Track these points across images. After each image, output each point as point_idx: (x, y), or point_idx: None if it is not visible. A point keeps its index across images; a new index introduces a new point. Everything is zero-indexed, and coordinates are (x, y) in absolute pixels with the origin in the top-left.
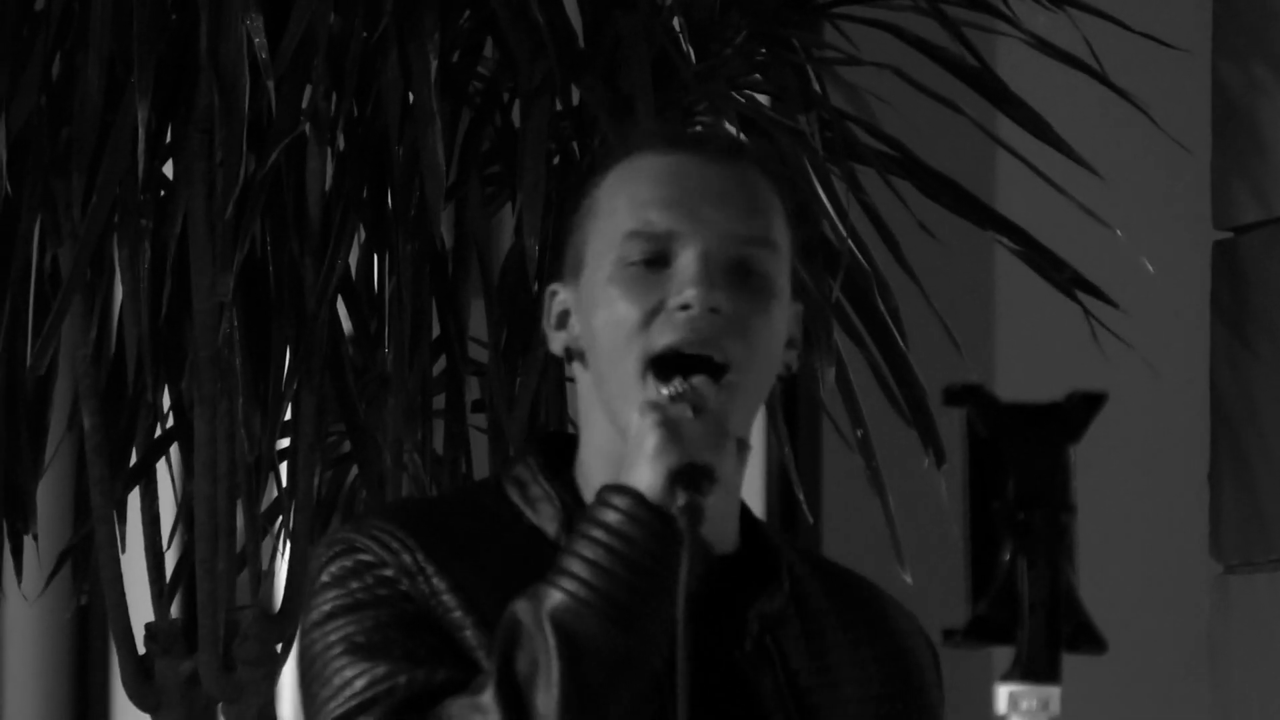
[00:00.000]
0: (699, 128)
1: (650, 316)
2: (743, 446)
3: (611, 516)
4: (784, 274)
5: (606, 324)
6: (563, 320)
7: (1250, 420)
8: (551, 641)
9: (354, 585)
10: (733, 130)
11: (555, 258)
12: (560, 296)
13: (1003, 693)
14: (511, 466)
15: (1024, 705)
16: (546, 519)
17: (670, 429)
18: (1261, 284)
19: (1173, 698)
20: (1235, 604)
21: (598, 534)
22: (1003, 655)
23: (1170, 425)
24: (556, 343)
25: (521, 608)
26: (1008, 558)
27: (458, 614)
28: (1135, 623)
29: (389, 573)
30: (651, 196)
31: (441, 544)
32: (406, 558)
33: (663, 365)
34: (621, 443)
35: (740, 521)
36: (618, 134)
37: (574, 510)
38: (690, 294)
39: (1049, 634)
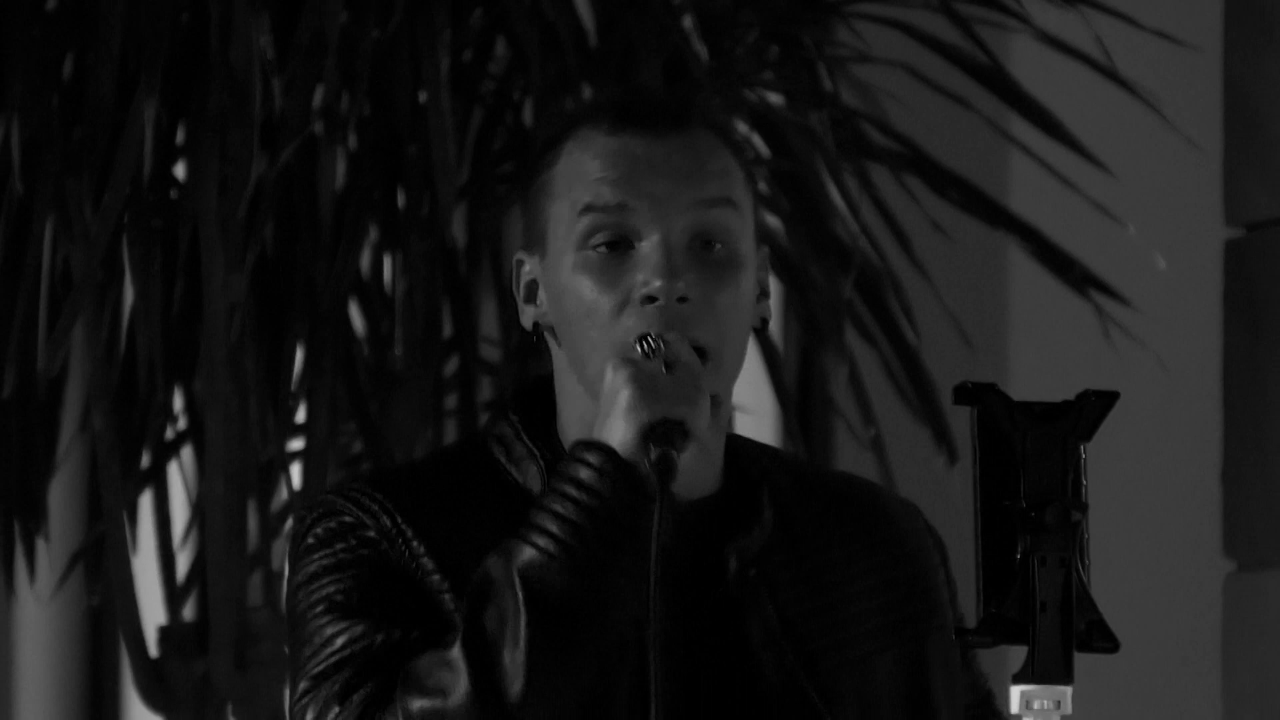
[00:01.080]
0: (647, 94)
1: (620, 307)
2: (717, 401)
3: (583, 473)
4: (748, 233)
5: (578, 313)
6: (531, 293)
7: (1263, 418)
8: (520, 596)
9: (339, 546)
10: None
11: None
12: (527, 267)
13: (1015, 692)
14: (494, 424)
15: (1036, 705)
16: (531, 477)
17: (643, 384)
18: (1274, 281)
19: (1185, 695)
20: (1248, 602)
21: (569, 490)
22: (1016, 654)
23: (1182, 423)
24: (526, 316)
25: (493, 563)
26: (1020, 556)
27: (436, 576)
28: (1148, 621)
29: (370, 534)
30: (603, 174)
31: (421, 507)
32: (386, 520)
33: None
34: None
35: (727, 461)
36: (575, 105)
37: (555, 467)
38: (656, 285)
39: (1062, 633)
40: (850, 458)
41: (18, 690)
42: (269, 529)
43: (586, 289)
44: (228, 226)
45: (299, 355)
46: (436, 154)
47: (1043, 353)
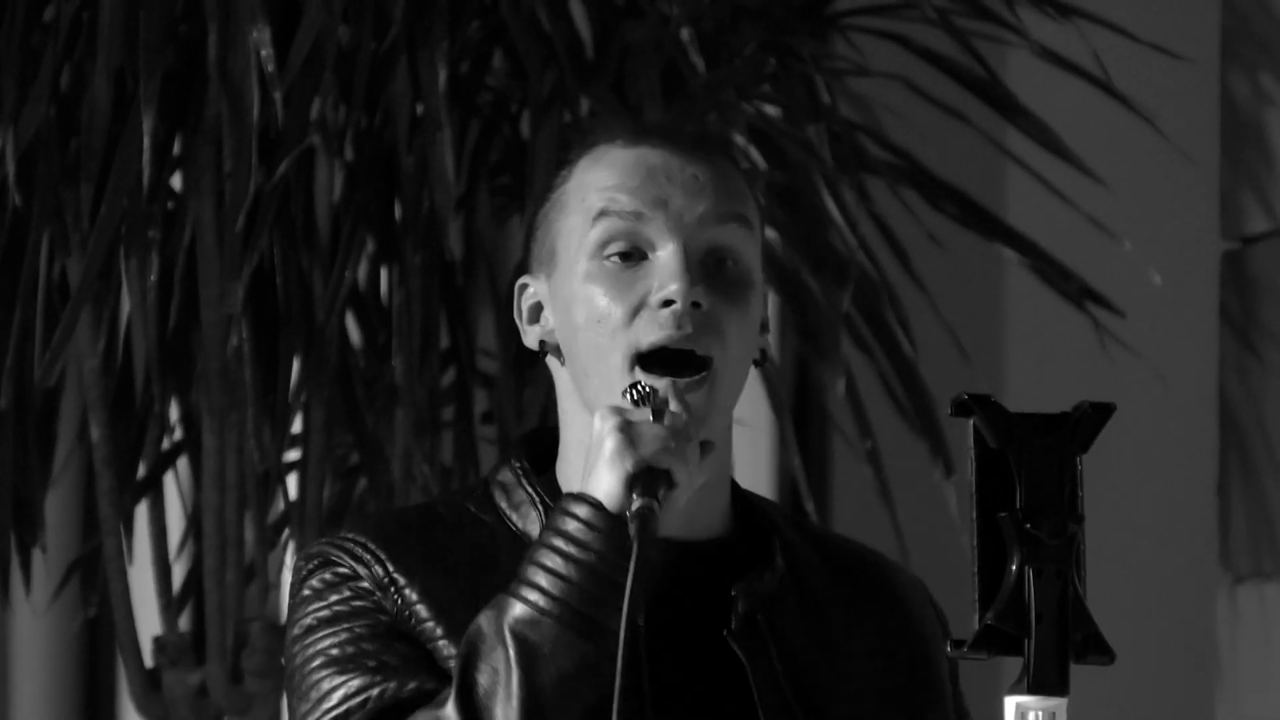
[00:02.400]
0: (663, 115)
1: (634, 312)
2: (708, 447)
3: (570, 525)
4: (757, 258)
5: (589, 321)
6: (535, 314)
7: (1259, 430)
8: (512, 652)
9: (333, 598)
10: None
11: (525, 251)
12: (531, 290)
13: (1010, 704)
14: (497, 470)
15: (1032, 716)
16: (530, 522)
17: (627, 433)
18: (1270, 294)
19: (1181, 707)
20: (1244, 613)
21: (557, 542)
22: (1011, 666)
23: (1179, 435)
24: (530, 336)
25: (485, 618)
26: (1016, 568)
27: (429, 624)
28: (1144, 633)
29: (364, 584)
30: (619, 182)
31: (413, 555)
32: (378, 569)
33: (649, 362)
34: None
35: (737, 506)
36: (579, 127)
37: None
38: (673, 289)
39: (1057, 644)
40: (847, 470)
41: (14, 701)
42: (265, 540)
43: (598, 296)
44: (225, 238)
45: (295, 367)
46: (434, 166)
47: (1039, 365)
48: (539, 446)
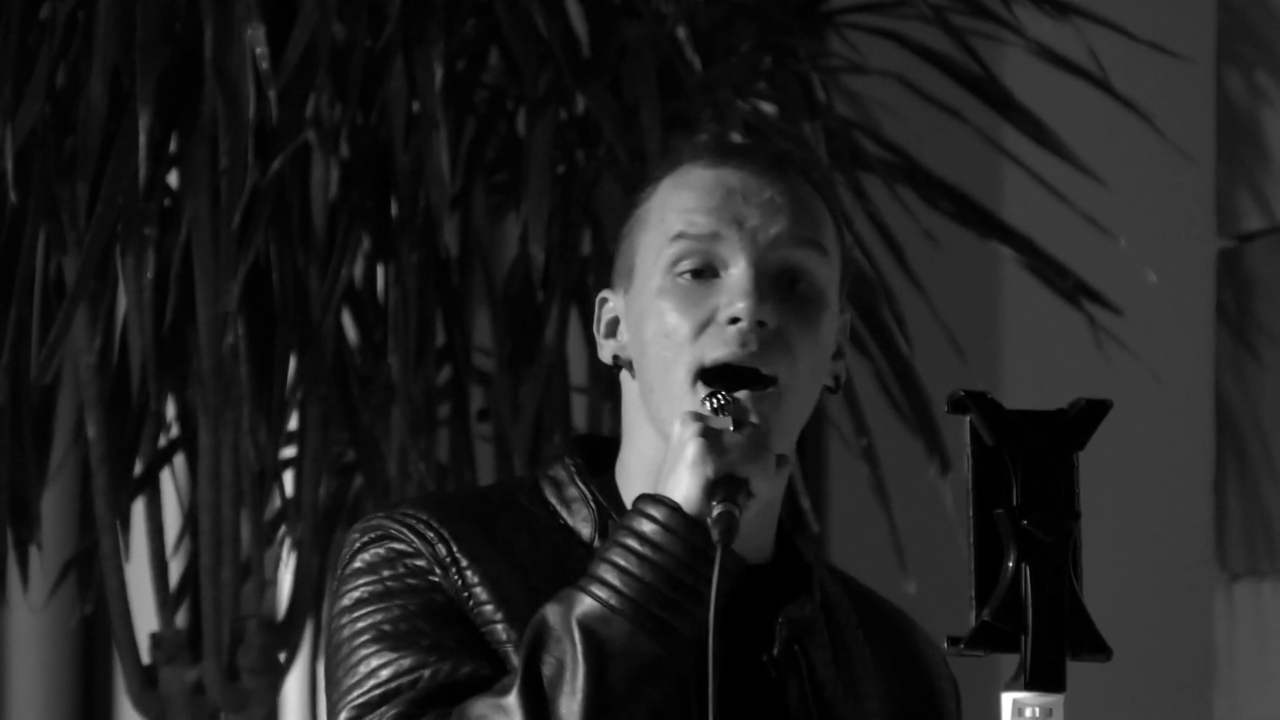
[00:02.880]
0: (745, 142)
1: (701, 328)
2: (783, 461)
3: (646, 526)
4: (833, 283)
5: (657, 335)
6: (612, 328)
7: (1255, 428)
8: (579, 646)
9: (385, 573)
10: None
11: (607, 266)
12: (610, 304)
13: (1007, 700)
14: (549, 466)
15: (1028, 713)
16: (581, 520)
17: (711, 440)
18: (1266, 292)
19: (1177, 705)
20: (1240, 612)
21: (631, 542)
22: (1007, 662)
23: (1175, 433)
24: (605, 351)
25: (551, 611)
26: (1012, 565)
27: (489, 607)
28: (1140, 631)
29: (421, 562)
30: (698, 204)
31: (476, 537)
32: (441, 548)
33: (711, 377)
34: (665, 450)
35: (780, 533)
36: (666, 148)
37: (609, 513)
38: (740, 306)
39: (1053, 641)
40: (843, 468)
41: (11, 698)
42: (261, 537)
43: (668, 311)
44: (220, 235)
45: (291, 364)
46: (429, 164)
47: (1035, 362)
48: (591, 451)
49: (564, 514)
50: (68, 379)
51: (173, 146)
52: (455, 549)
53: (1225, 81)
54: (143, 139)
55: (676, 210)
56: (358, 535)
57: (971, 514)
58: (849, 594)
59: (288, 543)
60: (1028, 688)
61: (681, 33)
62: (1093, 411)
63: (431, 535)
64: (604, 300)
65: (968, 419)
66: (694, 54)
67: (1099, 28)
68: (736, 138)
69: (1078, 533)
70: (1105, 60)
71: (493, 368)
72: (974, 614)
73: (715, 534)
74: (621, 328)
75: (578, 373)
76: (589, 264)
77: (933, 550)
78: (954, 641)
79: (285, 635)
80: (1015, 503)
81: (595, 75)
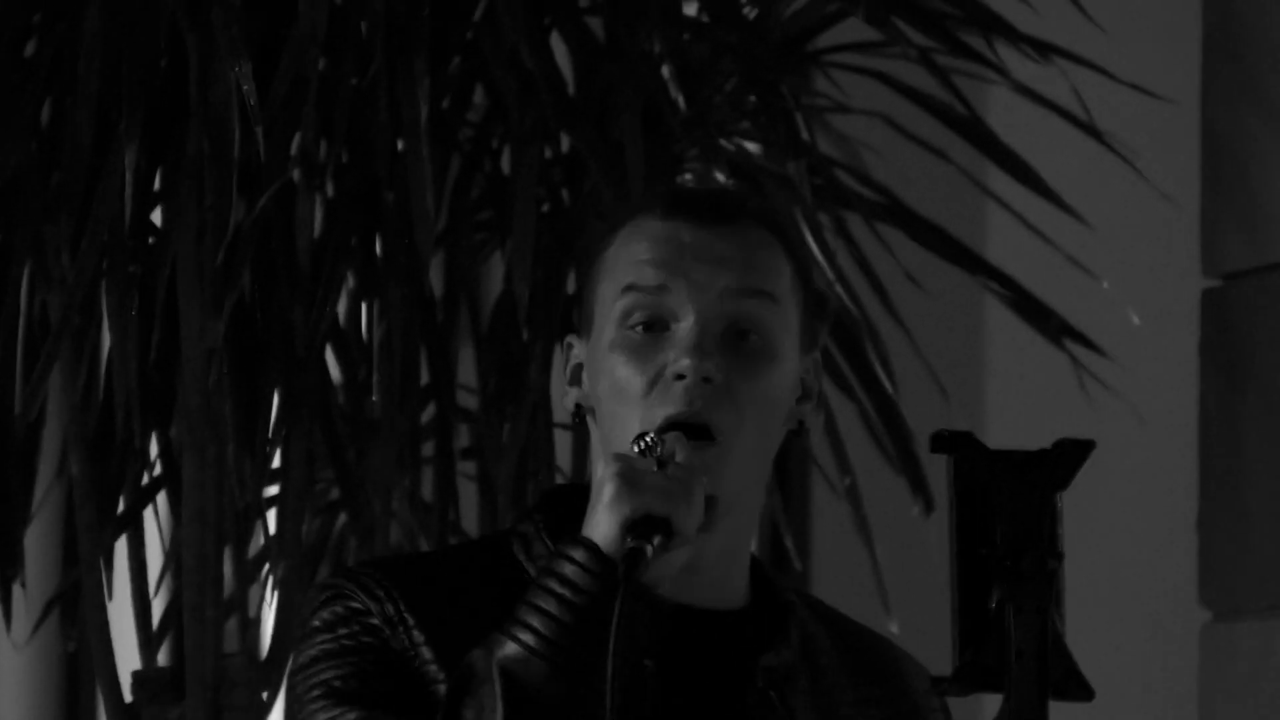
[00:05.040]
0: (702, 188)
1: (651, 385)
2: (713, 504)
3: (567, 568)
4: (788, 330)
5: (611, 390)
6: (576, 375)
7: (1239, 467)
8: (499, 689)
9: (341, 631)
10: (730, 184)
11: (575, 312)
12: (575, 350)
13: None
14: (520, 522)
15: None
16: None
17: (627, 479)
18: (1250, 332)
19: None
20: (1224, 651)
21: (552, 584)
22: (991, 703)
23: (1159, 473)
24: (569, 399)
25: (477, 655)
26: (996, 605)
27: (433, 667)
28: (1124, 670)
29: (374, 620)
30: (648, 256)
31: (426, 597)
32: (389, 607)
33: (663, 432)
34: None
35: (753, 577)
36: (627, 196)
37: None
38: (684, 364)
39: (1037, 681)
40: (826, 507)
41: None
42: (245, 575)
43: (620, 366)
44: (205, 272)
45: (275, 402)
46: (414, 201)
47: (1019, 402)
48: (563, 502)
49: (531, 570)
50: (51, 415)
51: (158, 183)
52: (402, 608)
53: (1210, 121)
54: (128, 176)
55: (628, 262)
56: (316, 595)
57: (955, 553)
58: (834, 632)
59: (271, 581)
60: None
61: (666, 71)
62: (1076, 451)
63: (381, 594)
64: (569, 345)
65: (951, 458)
66: (679, 92)
67: (1083, 69)
68: (720, 176)
69: (1061, 573)
70: (1089, 101)
71: (477, 406)
72: (957, 654)
73: (621, 569)
74: (584, 375)
75: (562, 411)
76: (574, 302)
77: (916, 590)
78: (937, 681)
79: (268, 674)
80: (998, 542)
81: (580, 113)
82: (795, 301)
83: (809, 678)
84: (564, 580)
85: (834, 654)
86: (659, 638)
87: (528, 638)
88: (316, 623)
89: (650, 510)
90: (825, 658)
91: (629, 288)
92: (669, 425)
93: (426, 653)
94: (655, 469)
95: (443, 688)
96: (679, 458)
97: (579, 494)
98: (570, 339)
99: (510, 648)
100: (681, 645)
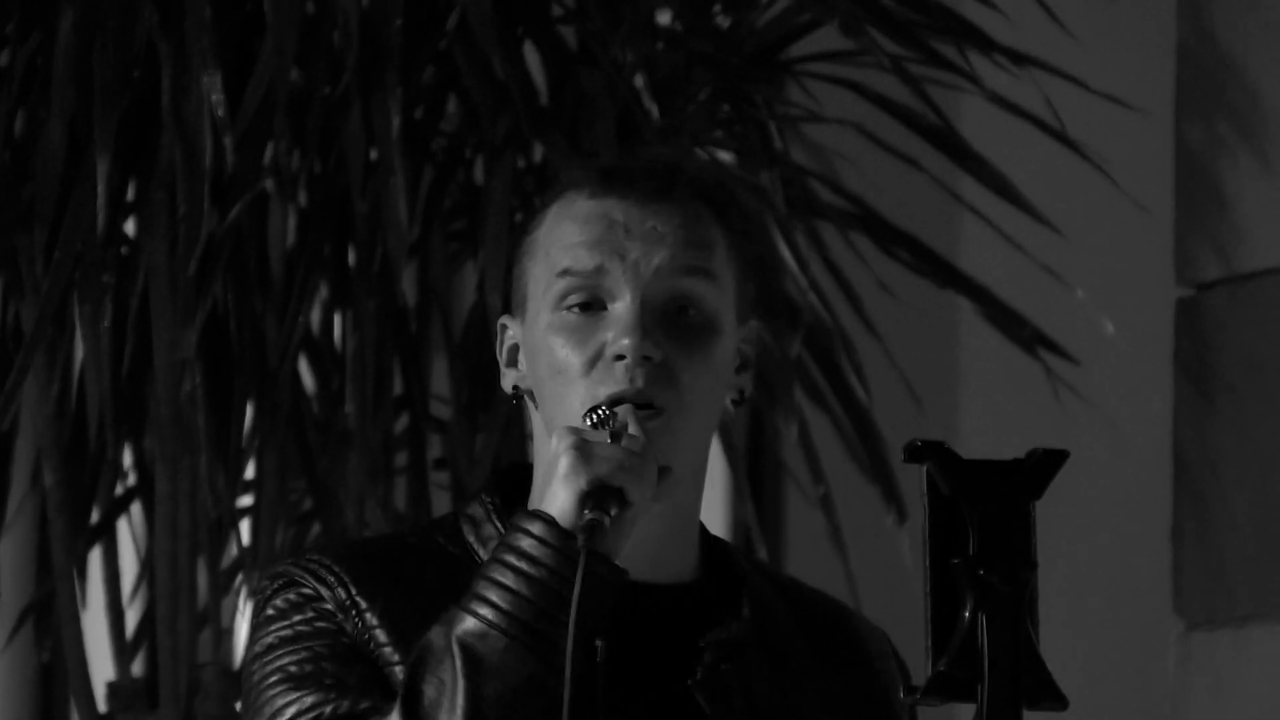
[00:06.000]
0: (635, 161)
1: (590, 364)
2: (664, 473)
3: (524, 541)
4: (726, 304)
5: (551, 371)
6: (513, 357)
7: (1213, 477)
8: (459, 664)
9: (296, 618)
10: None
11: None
12: (510, 331)
13: None
14: (468, 504)
15: None
16: None
17: (582, 451)
18: (1224, 341)
19: None
20: (1198, 661)
21: (509, 558)
22: (964, 712)
23: (1132, 482)
24: (507, 380)
25: (435, 631)
26: (969, 615)
27: (388, 649)
28: (1098, 680)
29: (327, 605)
30: (581, 237)
31: (376, 580)
32: (341, 592)
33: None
34: None
35: (705, 550)
36: (557, 172)
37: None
38: (624, 344)
39: (1010, 691)
40: (800, 516)
41: None
42: (218, 585)
43: (559, 347)
44: (178, 283)
45: (249, 412)
46: (387, 211)
47: (993, 411)
48: (511, 483)
49: (480, 552)
50: (25, 426)
51: (130, 194)
52: (354, 592)
53: (1183, 131)
54: (101, 186)
55: (561, 244)
56: (267, 583)
57: (928, 563)
58: (788, 599)
59: (244, 591)
60: None
61: (639, 81)
62: (1050, 461)
63: (332, 579)
64: (504, 326)
65: (925, 468)
66: (652, 102)
67: (1057, 78)
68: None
69: (1034, 582)
70: (1063, 110)
71: (450, 416)
72: (930, 663)
73: (580, 540)
74: (520, 357)
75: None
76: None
77: (889, 599)
78: (910, 691)
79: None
80: (972, 552)
81: (553, 123)
82: (731, 273)
83: (761, 648)
84: (521, 554)
85: (788, 623)
86: (605, 612)
87: (486, 612)
88: (270, 611)
89: (606, 480)
90: (779, 627)
91: (565, 271)
92: (614, 403)
93: (381, 636)
94: (608, 441)
95: (399, 670)
96: (631, 429)
97: (526, 474)
98: (505, 320)
99: (469, 622)
100: (628, 621)
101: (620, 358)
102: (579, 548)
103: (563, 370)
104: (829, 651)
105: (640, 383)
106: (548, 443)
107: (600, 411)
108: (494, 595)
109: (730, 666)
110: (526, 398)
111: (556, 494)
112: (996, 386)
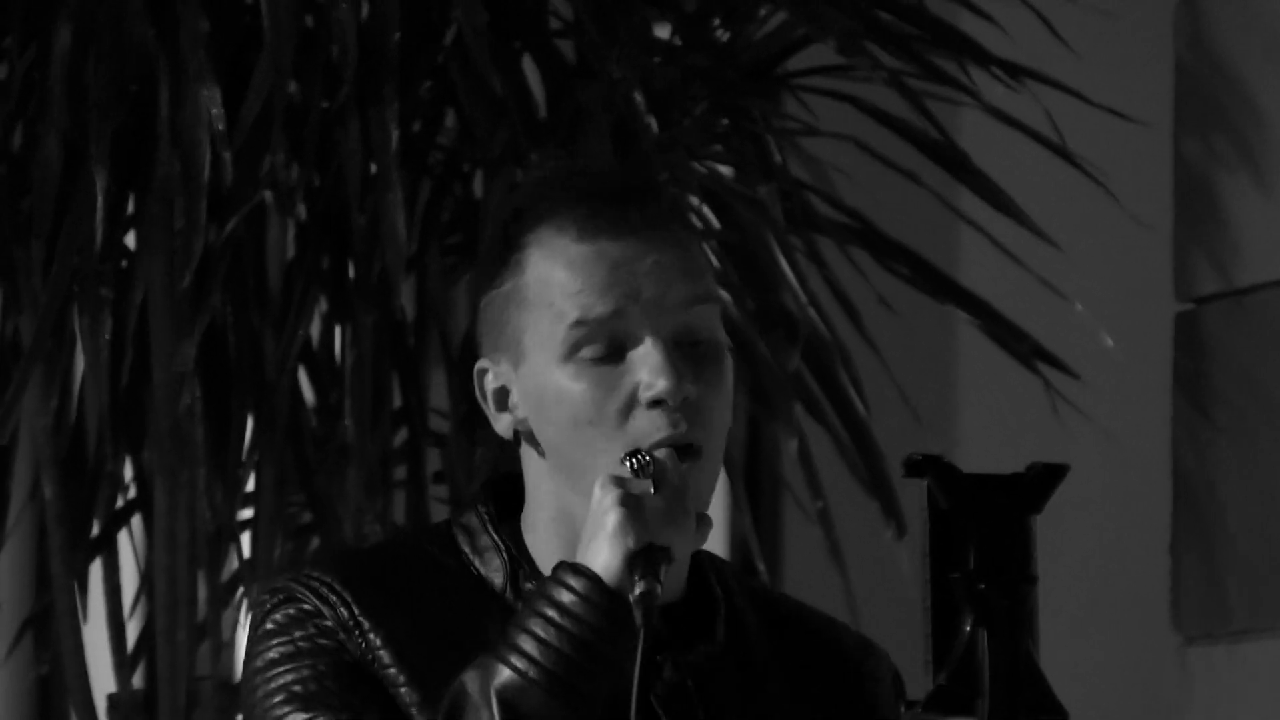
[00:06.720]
0: (601, 183)
1: (625, 413)
2: (703, 521)
3: (565, 596)
4: (721, 319)
5: (577, 421)
6: (502, 400)
7: (1211, 492)
8: (497, 716)
9: (297, 634)
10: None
11: (473, 328)
12: (492, 375)
13: None
14: (462, 513)
15: None
16: (493, 570)
17: (631, 508)
18: (1223, 356)
19: None
20: (1196, 675)
21: (550, 612)
22: None
23: (1131, 497)
24: (501, 424)
25: (470, 679)
26: (968, 629)
27: (391, 670)
28: (1096, 694)
29: (328, 623)
30: (585, 284)
31: (378, 598)
32: (343, 611)
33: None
34: (573, 513)
35: (692, 571)
36: (525, 195)
37: (520, 563)
38: (662, 388)
39: (1010, 705)
40: (798, 531)
41: None
42: (218, 599)
43: (584, 397)
44: (176, 296)
45: (248, 425)
46: (385, 225)
47: (992, 426)
48: (503, 494)
49: (477, 564)
50: (24, 439)
51: (129, 207)
52: (357, 611)
53: (1182, 145)
54: (99, 199)
55: (564, 293)
56: (266, 598)
57: (927, 578)
58: (770, 617)
59: (244, 604)
60: None
61: (637, 95)
62: (1049, 475)
63: (334, 598)
64: (483, 371)
65: (924, 482)
66: (649, 116)
67: (1056, 92)
68: (694, 200)
69: (1034, 596)
70: (1062, 124)
71: (448, 430)
72: (930, 678)
73: (638, 615)
74: (514, 400)
75: None
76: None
77: (888, 614)
78: (910, 705)
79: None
80: (971, 566)
81: (551, 137)
82: (714, 282)
83: (737, 667)
84: (562, 609)
85: (767, 642)
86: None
87: (525, 666)
88: (269, 625)
89: (654, 540)
90: (757, 647)
91: (578, 322)
92: (655, 447)
93: (385, 655)
94: (651, 489)
95: (403, 691)
96: (671, 478)
97: (518, 484)
98: (483, 364)
99: (506, 674)
100: None
101: (658, 402)
102: (638, 622)
103: (593, 420)
104: (810, 668)
105: (683, 426)
106: (550, 483)
107: (640, 457)
108: (532, 649)
109: (695, 683)
110: (527, 442)
111: (601, 550)
112: (995, 400)
